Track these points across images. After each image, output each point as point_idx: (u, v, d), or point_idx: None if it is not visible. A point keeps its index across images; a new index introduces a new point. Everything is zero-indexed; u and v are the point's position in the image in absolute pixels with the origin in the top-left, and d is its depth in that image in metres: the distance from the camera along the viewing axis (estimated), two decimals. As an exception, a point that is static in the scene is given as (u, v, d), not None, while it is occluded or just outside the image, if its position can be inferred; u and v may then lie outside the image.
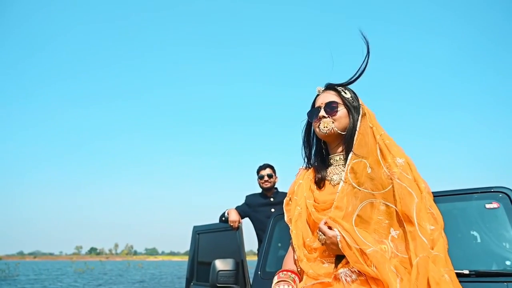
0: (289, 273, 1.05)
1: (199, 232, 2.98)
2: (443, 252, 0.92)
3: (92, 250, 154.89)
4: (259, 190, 2.91)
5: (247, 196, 2.90)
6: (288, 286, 0.99)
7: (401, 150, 1.05)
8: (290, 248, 1.15)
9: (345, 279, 0.91)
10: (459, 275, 1.48)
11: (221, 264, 2.27)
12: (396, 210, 0.95)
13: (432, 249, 0.89)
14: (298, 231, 1.08)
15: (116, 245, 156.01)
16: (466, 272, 1.50)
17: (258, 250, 2.74)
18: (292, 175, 1.41)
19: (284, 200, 1.26)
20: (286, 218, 1.18)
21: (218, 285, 2.21)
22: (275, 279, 1.06)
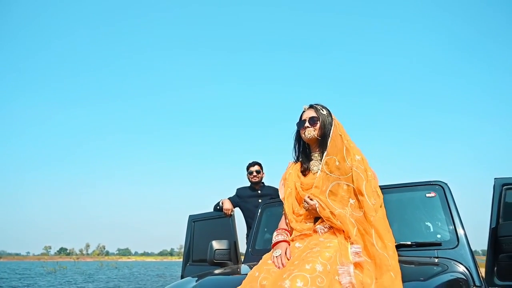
0: (283, 230, 1.55)
1: (194, 220, 3.39)
2: (383, 215, 1.43)
3: (62, 251, 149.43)
4: (248, 184, 3.37)
5: (238, 189, 3.34)
6: (283, 236, 1.49)
7: (359, 151, 1.56)
8: (283, 216, 1.62)
9: (320, 231, 1.41)
10: (404, 245, 2.00)
11: (217, 244, 2.70)
12: (354, 188, 1.45)
13: (376, 212, 1.38)
14: (289, 203, 1.59)
15: (88, 245, 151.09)
16: (409, 243, 2.02)
17: (247, 234, 3.19)
18: (276, 172, 1.91)
19: (279, 183, 1.72)
20: (280, 196, 1.66)
21: (215, 261, 2.64)
22: (275, 234, 1.52)
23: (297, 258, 1.28)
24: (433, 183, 2.26)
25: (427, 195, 2.27)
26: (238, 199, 3.24)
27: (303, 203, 1.49)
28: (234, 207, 3.15)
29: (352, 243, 1.26)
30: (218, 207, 3.14)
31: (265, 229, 2.86)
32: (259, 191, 3.27)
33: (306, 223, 1.48)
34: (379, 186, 1.90)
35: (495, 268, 1.94)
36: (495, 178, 2.17)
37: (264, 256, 1.45)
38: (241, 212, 3.28)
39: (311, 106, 1.64)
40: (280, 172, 2.09)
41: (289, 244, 1.44)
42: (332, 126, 1.58)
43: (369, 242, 1.27)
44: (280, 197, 1.64)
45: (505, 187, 2.11)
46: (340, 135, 1.56)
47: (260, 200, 3.12)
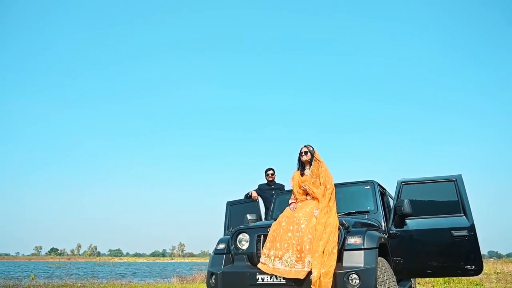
0: (293, 198, 3.49)
1: (231, 204, 5.35)
2: (334, 197, 3.40)
3: (53, 251, 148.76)
4: (265, 181, 5.35)
5: (259, 185, 5.30)
6: (293, 200, 3.44)
7: (325, 164, 3.50)
8: (292, 194, 3.58)
9: (308, 199, 3.37)
10: (352, 212, 3.99)
11: (250, 216, 4.64)
12: (321, 182, 3.40)
13: (330, 197, 3.36)
14: (295, 188, 3.51)
15: (79, 246, 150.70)
16: (354, 211, 4.00)
17: (265, 213, 5.14)
18: (284, 175, 3.97)
19: (290, 179, 3.69)
20: (291, 184, 3.63)
21: (249, 225, 4.59)
22: (290, 200, 3.49)
23: (299, 208, 3.28)
24: (369, 181, 4.28)
25: (365, 187, 4.29)
26: (259, 191, 5.21)
27: (301, 187, 3.48)
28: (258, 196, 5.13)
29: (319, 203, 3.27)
30: (248, 195, 5.12)
31: (278, 210, 4.84)
32: (273, 186, 5.25)
33: (302, 196, 3.45)
34: (339, 182, 3.94)
35: (393, 222, 3.93)
36: (398, 179, 4.19)
37: (285, 210, 3.43)
38: (261, 200, 5.25)
39: (305, 146, 3.63)
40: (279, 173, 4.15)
41: (296, 203, 3.43)
42: (314, 155, 3.56)
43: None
44: (291, 185, 3.62)
45: (402, 183, 4.13)
46: (318, 159, 3.55)
47: (273, 192, 5.09)
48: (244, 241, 3.44)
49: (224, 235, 5.28)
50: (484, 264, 3.97)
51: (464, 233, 3.71)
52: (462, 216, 3.82)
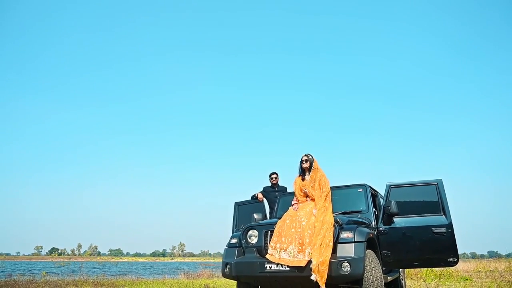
0: (296, 200, 4.07)
1: (238, 205, 5.93)
2: (329, 199, 3.99)
3: (54, 251, 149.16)
4: (269, 184, 5.93)
5: (264, 187, 5.86)
6: (296, 201, 4.02)
7: (322, 171, 4.09)
8: (295, 196, 4.17)
9: (308, 200, 3.94)
10: (346, 212, 4.58)
11: (256, 215, 5.23)
12: (319, 185, 4.00)
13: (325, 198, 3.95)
14: (297, 191, 4.09)
15: (80, 246, 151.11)
16: (348, 211, 4.59)
17: (270, 213, 5.72)
18: (286, 179, 4.58)
19: (293, 183, 4.27)
20: (293, 188, 4.20)
21: (256, 224, 5.17)
22: (292, 201, 4.08)
23: (301, 208, 3.85)
24: (361, 184, 4.86)
25: (359, 190, 4.88)
26: (264, 192, 5.79)
27: (302, 190, 4.06)
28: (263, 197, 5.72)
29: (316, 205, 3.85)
30: (254, 197, 5.70)
31: (281, 210, 5.43)
32: (276, 189, 5.83)
33: (303, 197, 4.03)
34: (336, 185, 4.55)
35: (382, 220, 4.51)
36: (386, 183, 4.77)
37: (289, 209, 4.00)
38: (265, 200, 5.83)
39: (305, 155, 4.21)
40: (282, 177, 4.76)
41: (297, 204, 4.00)
42: (313, 163, 4.14)
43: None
44: (293, 188, 4.20)
45: (390, 186, 4.71)
46: (316, 166, 4.13)
47: (276, 194, 5.67)
48: (253, 236, 4.02)
49: (233, 233, 5.86)
50: (479, 262, 4.56)
51: (443, 230, 4.28)
52: (442, 215, 4.40)
